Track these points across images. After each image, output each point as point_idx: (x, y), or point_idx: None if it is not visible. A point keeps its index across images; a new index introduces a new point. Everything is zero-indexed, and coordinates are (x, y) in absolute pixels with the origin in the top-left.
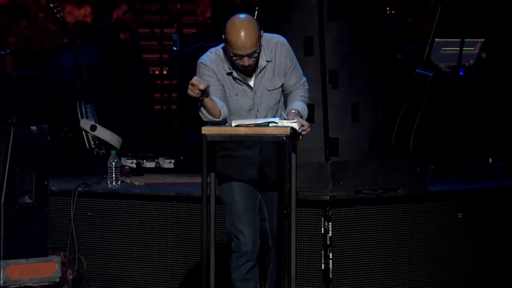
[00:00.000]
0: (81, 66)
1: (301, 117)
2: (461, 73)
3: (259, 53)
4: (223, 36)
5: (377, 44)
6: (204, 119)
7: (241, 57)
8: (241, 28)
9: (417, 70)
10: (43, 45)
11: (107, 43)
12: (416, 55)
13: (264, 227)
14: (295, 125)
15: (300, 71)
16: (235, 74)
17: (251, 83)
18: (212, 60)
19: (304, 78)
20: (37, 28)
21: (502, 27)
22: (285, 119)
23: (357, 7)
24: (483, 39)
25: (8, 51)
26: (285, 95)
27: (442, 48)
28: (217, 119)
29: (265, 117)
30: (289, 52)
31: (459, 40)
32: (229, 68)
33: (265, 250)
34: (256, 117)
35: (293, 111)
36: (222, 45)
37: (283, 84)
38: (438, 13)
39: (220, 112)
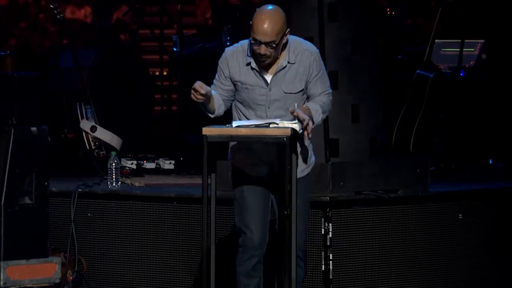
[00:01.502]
0: (81, 67)
1: (311, 116)
2: (461, 74)
3: (277, 46)
4: (250, 22)
5: (377, 45)
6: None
7: (259, 43)
8: (266, 15)
9: (417, 71)
10: (43, 46)
11: (107, 44)
12: (416, 56)
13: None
14: (296, 126)
15: (328, 83)
16: (253, 64)
17: (268, 79)
18: (233, 51)
19: (330, 90)
20: (37, 29)
21: (502, 28)
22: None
23: (357, 8)
24: (483, 40)
25: (8, 52)
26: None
27: (442, 49)
28: (210, 115)
29: (278, 118)
30: (316, 62)
31: (459, 41)
32: (249, 58)
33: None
34: (267, 114)
35: (305, 106)
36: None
37: (302, 91)
38: (438, 14)
39: (215, 110)
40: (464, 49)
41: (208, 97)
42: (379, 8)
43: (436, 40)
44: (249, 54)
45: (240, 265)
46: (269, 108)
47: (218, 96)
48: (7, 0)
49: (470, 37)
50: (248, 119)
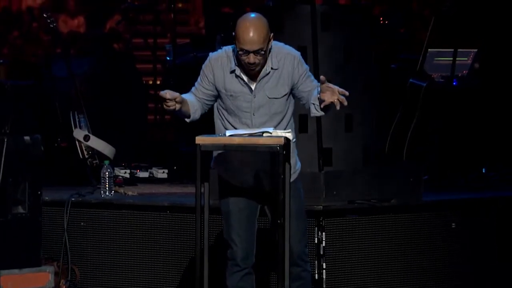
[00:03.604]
0: (74, 76)
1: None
2: (454, 83)
3: (265, 53)
4: (233, 33)
5: (370, 54)
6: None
7: (247, 52)
8: (250, 24)
9: (411, 80)
10: (36, 55)
11: (100, 53)
12: (410, 65)
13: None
14: (289, 135)
15: (315, 81)
16: (237, 72)
17: (253, 86)
18: (218, 56)
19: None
20: (31, 38)
21: (495, 38)
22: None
23: (350, 18)
24: (476, 49)
25: (1, 60)
26: (306, 100)
27: (435, 58)
28: (186, 119)
29: (263, 124)
30: (300, 64)
31: (452, 50)
32: (234, 65)
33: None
34: (252, 121)
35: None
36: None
37: (286, 95)
38: (431, 24)
39: (191, 115)
40: (457, 58)
41: (180, 102)
42: (372, 17)
43: (429, 49)
44: (234, 62)
45: (228, 277)
46: (254, 115)
47: (194, 101)
48: (0, 8)
49: (463, 46)
50: (233, 126)
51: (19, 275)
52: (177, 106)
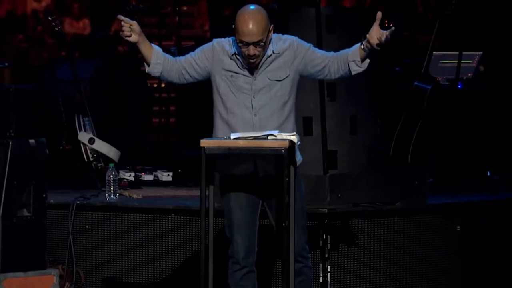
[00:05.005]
0: (79, 79)
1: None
2: (459, 86)
3: (265, 44)
4: (233, 25)
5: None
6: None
7: (247, 44)
8: (250, 16)
9: (415, 83)
10: (41, 58)
11: (105, 56)
12: (414, 68)
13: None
14: (294, 138)
15: (323, 51)
16: (238, 57)
17: (253, 70)
18: (221, 41)
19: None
20: (35, 41)
21: (500, 40)
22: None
23: (354, 20)
24: (481, 52)
25: (6, 64)
26: (327, 69)
27: (440, 61)
28: (146, 67)
29: (262, 107)
30: (299, 45)
31: (457, 53)
32: (232, 50)
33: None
34: (252, 104)
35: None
36: None
37: (287, 78)
38: (436, 26)
39: (150, 61)
40: (462, 61)
41: (137, 33)
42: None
43: (434, 52)
44: (234, 49)
45: (230, 276)
46: (254, 97)
47: (167, 58)
48: (5, 12)
49: (468, 49)
50: (231, 111)
51: (24, 278)
52: (134, 37)
